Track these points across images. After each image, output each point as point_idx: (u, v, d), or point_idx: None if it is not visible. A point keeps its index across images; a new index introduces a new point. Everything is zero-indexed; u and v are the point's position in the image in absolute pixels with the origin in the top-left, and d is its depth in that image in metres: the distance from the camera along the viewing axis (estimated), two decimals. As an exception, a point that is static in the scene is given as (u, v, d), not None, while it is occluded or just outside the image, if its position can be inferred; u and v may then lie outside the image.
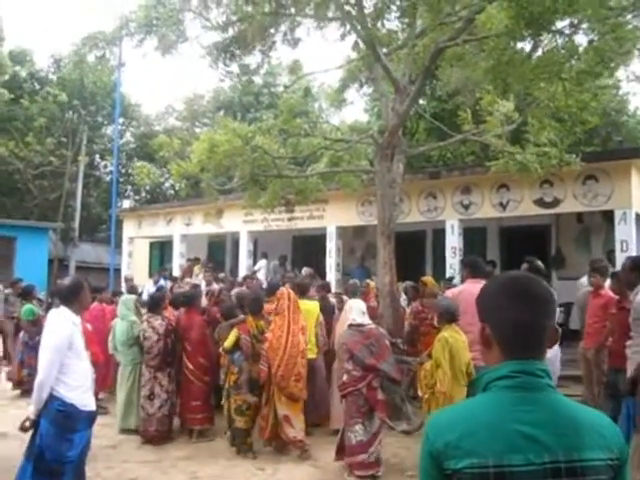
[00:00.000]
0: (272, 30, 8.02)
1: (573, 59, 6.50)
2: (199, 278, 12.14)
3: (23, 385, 8.53)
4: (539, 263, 6.77)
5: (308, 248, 14.98)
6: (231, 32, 8.12)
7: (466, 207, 10.84)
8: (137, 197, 28.09)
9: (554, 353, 5.41)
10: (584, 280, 7.38)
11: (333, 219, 12.77)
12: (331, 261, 12.66)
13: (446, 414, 1.38)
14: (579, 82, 6.65)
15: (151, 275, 15.09)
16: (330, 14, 7.60)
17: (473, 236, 11.84)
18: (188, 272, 13.57)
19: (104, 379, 7.68)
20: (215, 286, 9.87)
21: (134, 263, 17.53)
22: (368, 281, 8.61)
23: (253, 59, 8.85)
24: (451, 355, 4.63)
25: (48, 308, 8.35)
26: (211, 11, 8.08)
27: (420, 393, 5.12)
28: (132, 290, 9.48)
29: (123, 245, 17.91)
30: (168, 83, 49.36)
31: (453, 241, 10.86)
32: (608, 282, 6.49)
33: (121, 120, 23.33)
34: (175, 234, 16.19)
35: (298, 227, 13.53)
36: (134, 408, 6.78)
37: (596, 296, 6.54)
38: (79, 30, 37.79)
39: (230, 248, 17.41)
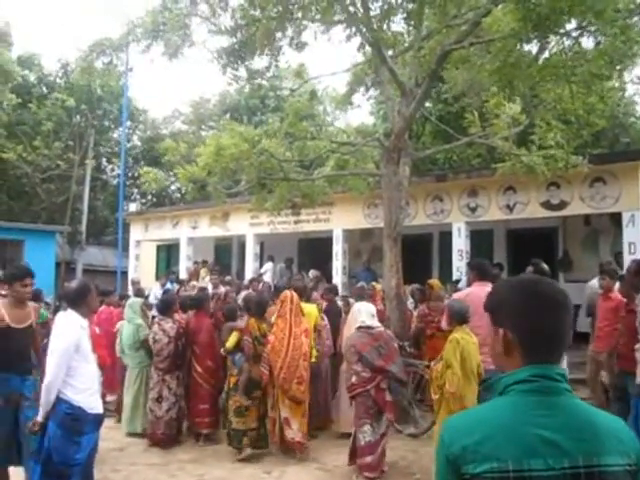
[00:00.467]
0: (279, 34, 8.03)
1: (581, 62, 6.47)
2: (205, 281, 12.16)
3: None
4: (544, 265, 6.75)
5: (314, 251, 14.98)
6: (239, 36, 8.14)
7: (473, 210, 10.81)
8: (143, 200, 28.18)
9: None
10: (594, 283, 7.33)
11: (339, 222, 12.77)
12: (337, 264, 12.66)
13: (463, 418, 1.37)
14: (587, 85, 6.61)
15: (158, 278, 15.14)
16: (336, 17, 7.60)
17: (480, 239, 11.81)
18: (194, 275, 13.60)
19: (111, 382, 7.69)
20: (222, 289, 9.89)
21: (141, 266, 17.59)
22: (374, 284, 8.61)
23: (260, 63, 8.87)
24: (462, 356, 4.63)
25: (56, 311, 8.38)
26: (218, 16, 8.11)
27: (432, 394, 5.13)
28: (139, 293, 9.49)
29: (130, 248, 17.97)
30: (174, 87, 49.65)
31: (460, 244, 10.83)
32: (617, 285, 6.45)
33: (128, 124, 23.42)
34: (182, 237, 16.24)
35: (304, 230, 13.55)
36: (140, 412, 6.78)
37: (606, 299, 6.49)
38: (83, 32, 38.19)
39: (236, 251, 17.45)
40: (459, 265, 10.65)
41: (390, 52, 8.38)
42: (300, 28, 8.02)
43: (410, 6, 7.17)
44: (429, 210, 11.43)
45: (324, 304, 7.83)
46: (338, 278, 12.36)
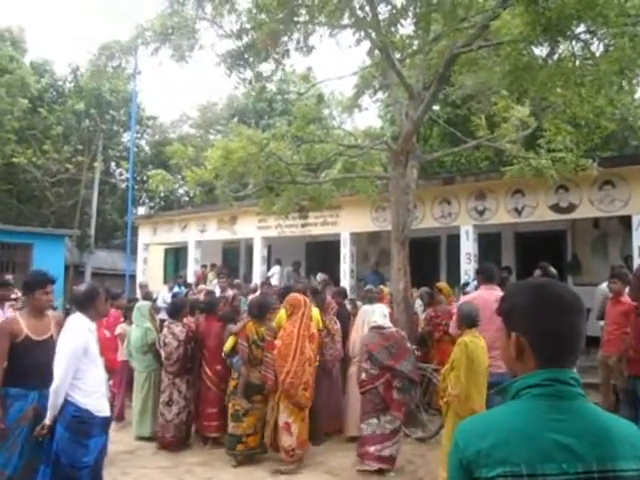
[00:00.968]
0: (285, 38, 8.04)
1: (589, 68, 6.42)
2: (213, 284, 12.19)
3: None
4: (552, 269, 6.72)
5: (322, 254, 14.99)
6: (245, 40, 8.16)
7: (481, 213, 10.78)
8: (152, 204, 28.28)
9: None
10: (604, 286, 7.28)
11: (347, 225, 12.76)
12: (345, 267, 12.65)
13: (476, 422, 1.36)
14: (597, 89, 6.56)
15: (166, 281, 15.19)
16: (344, 21, 7.61)
17: (488, 242, 11.77)
18: (202, 278, 13.63)
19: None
20: (229, 292, 9.90)
21: (149, 269, 17.66)
22: (382, 287, 8.59)
23: (267, 66, 8.89)
24: (471, 359, 4.62)
25: (66, 315, 8.42)
26: (225, 19, 8.14)
27: (440, 398, 5.15)
28: (147, 296, 9.51)
29: (138, 251, 18.04)
30: (182, 91, 49.88)
31: (468, 247, 10.80)
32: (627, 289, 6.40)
33: (136, 128, 23.55)
34: (190, 240, 16.29)
35: (312, 233, 13.55)
36: (149, 415, 6.79)
37: (616, 303, 6.43)
38: (83, 32, 38.38)
39: (244, 254, 17.48)
40: (467, 268, 10.61)
41: (398, 55, 8.38)
42: (307, 32, 8.03)
43: (419, 10, 7.15)
44: (437, 213, 11.41)
45: (335, 307, 7.80)
46: (346, 281, 12.34)
